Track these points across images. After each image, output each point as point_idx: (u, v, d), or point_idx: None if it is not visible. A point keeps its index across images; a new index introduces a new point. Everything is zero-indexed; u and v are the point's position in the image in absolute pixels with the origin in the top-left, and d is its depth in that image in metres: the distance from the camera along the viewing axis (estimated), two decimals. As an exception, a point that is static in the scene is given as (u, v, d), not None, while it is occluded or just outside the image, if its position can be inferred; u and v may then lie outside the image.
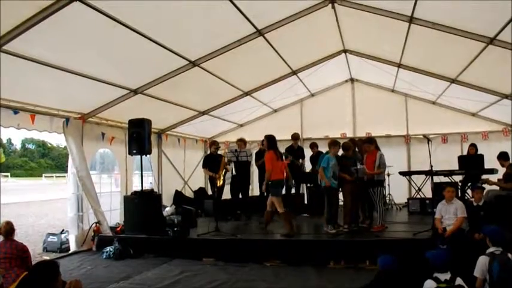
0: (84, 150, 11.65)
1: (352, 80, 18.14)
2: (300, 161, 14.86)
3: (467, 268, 6.25)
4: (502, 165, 11.46)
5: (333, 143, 11.18)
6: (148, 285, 8.34)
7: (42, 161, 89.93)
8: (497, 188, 11.44)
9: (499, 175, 11.86)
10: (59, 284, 5.19)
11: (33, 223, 18.05)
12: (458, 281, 5.69)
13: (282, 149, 14.56)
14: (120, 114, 12.49)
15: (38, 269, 5.15)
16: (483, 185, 11.09)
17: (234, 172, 13.28)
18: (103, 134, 12.55)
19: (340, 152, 11.19)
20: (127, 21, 8.47)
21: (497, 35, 9.54)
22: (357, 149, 11.66)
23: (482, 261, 6.16)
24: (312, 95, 18.39)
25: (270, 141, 11.13)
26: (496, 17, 8.87)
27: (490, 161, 12.37)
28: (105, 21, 8.08)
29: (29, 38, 7.56)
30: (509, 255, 6.17)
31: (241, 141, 13.98)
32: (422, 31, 10.50)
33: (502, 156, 11.43)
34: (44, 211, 23.42)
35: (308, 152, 15.05)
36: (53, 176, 68.70)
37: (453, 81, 13.53)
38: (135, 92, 11.69)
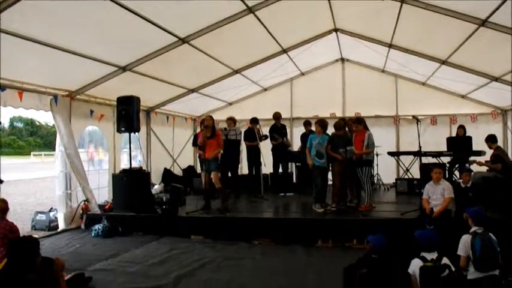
0: (72, 127, 11.56)
1: (342, 59, 18.07)
2: (284, 139, 14.81)
3: (454, 248, 6.32)
4: (490, 148, 11.49)
5: (316, 122, 11.23)
6: (136, 262, 8.34)
7: (31, 140, 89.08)
8: (484, 170, 11.51)
9: (487, 157, 11.90)
10: (39, 261, 5.18)
11: (21, 201, 17.96)
12: (445, 260, 5.75)
13: (267, 128, 14.63)
14: (108, 92, 12.38)
15: (17, 245, 5.14)
16: (471, 167, 11.18)
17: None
18: (91, 112, 12.43)
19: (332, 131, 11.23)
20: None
21: (489, 16, 9.52)
22: (347, 129, 11.65)
23: (465, 239, 6.25)
24: (302, 74, 18.31)
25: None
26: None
27: (478, 143, 12.38)
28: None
29: (16, 15, 7.46)
30: (491, 234, 6.27)
31: (231, 120, 13.91)
32: (414, 11, 10.47)
33: (490, 139, 11.46)
34: (32, 189, 23.33)
35: (300, 130, 14.96)
36: (41, 154, 68.14)
37: (443, 62, 13.52)
38: (124, 69, 11.58)
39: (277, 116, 14.82)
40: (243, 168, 16.08)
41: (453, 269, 5.70)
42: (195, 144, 13.91)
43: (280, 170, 14.98)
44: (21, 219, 13.01)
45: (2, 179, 9.73)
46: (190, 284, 7.20)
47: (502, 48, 10.73)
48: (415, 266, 5.79)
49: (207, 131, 11.54)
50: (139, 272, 7.79)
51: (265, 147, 14.44)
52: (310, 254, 8.86)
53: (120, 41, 10.39)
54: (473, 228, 6.38)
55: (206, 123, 11.60)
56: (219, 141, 11.86)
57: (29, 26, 8.25)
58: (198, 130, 15.09)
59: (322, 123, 11.24)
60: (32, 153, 71.00)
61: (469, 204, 7.70)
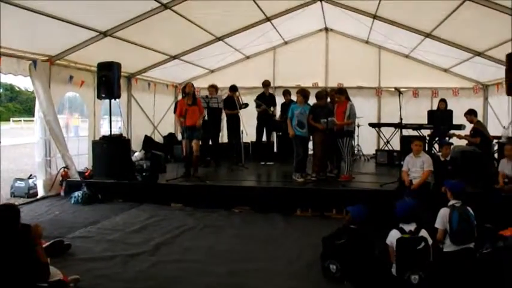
0: (52, 93, 11.38)
1: (326, 29, 17.95)
2: (272, 108, 14.80)
3: (432, 220, 6.39)
4: (471, 122, 11.58)
5: (298, 91, 11.21)
6: (116, 230, 8.36)
7: (10, 105, 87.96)
8: (463, 144, 11.61)
9: (466, 131, 12.00)
10: (19, 228, 5.15)
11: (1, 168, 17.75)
12: (422, 232, 5.80)
13: (253, 96, 14.59)
14: (89, 57, 12.17)
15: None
16: (450, 140, 11.27)
17: (206, 118, 13.12)
18: (71, 77, 12.24)
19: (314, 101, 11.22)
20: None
21: (475, -10, 9.51)
22: (328, 99, 11.65)
23: (443, 212, 6.35)
24: (286, 42, 18.16)
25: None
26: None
27: (459, 117, 12.40)
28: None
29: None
30: (468, 207, 6.36)
31: (213, 88, 13.83)
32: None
33: (471, 113, 11.54)
34: (12, 156, 23.09)
35: (282, 99, 14.94)
36: (21, 120, 67.46)
37: (427, 35, 13.51)
38: (105, 34, 11.39)
39: (265, 84, 14.77)
40: (224, 137, 16.05)
41: (430, 241, 5.76)
42: (176, 111, 13.84)
43: (264, 139, 14.99)
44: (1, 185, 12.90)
45: None
46: (170, 251, 7.24)
47: (486, 24, 10.78)
48: (392, 237, 5.83)
49: (188, 99, 11.49)
50: (118, 239, 7.81)
51: (250, 115, 14.50)
52: (289, 223, 8.95)
53: (101, 6, 10.15)
54: (452, 202, 6.47)
55: (187, 90, 11.56)
56: (201, 109, 11.81)
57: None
58: (180, 97, 14.96)
59: (303, 93, 11.20)
60: (11, 119, 70.25)
61: (447, 178, 7.79)
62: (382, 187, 9.96)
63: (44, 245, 5.84)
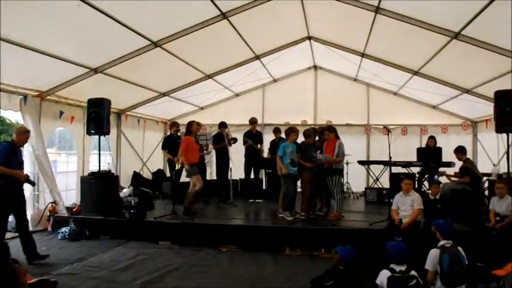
0: (42, 128, 11.39)
1: (315, 67, 18.16)
2: (259, 146, 14.82)
3: (422, 261, 6.34)
4: (459, 159, 11.58)
5: (290, 129, 11.19)
6: (103, 267, 8.23)
7: (1, 138, 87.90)
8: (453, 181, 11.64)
9: (456, 169, 12.03)
10: (9, 265, 5.09)
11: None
12: (413, 273, 5.78)
13: (242, 133, 14.62)
14: (79, 93, 12.22)
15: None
16: (439, 178, 11.28)
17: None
18: (61, 113, 12.25)
19: (301, 140, 11.21)
20: (91, 0, 8.32)
21: (462, 29, 9.69)
22: (316, 138, 11.68)
23: (433, 253, 6.29)
24: (275, 80, 18.34)
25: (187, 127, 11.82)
26: (463, 12, 8.98)
27: (448, 153, 12.44)
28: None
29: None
30: (459, 248, 6.30)
31: (198, 125, 13.87)
32: (388, 22, 10.59)
33: (460, 151, 11.55)
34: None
35: (271, 137, 14.96)
36: (10, 153, 67.18)
37: (416, 73, 13.69)
38: (96, 71, 11.47)
39: (252, 121, 14.81)
40: (212, 174, 16.00)
41: (421, 281, 5.72)
42: (164, 147, 13.81)
43: (252, 176, 14.96)
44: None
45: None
46: (156, 291, 7.13)
47: (473, 61, 10.95)
48: (383, 276, 5.80)
49: (193, 137, 11.75)
50: (105, 277, 7.69)
51: (238, 153, 14.51)
52: (278, 262, 8.82)
53: (92, 43, 10.31)
54: (442, 242, 6.42)
55: (195, 129, 11.93)
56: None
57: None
58: (168, 133, 14.98)
59: (296, 131, 11.21)
60: (0, 152, 69.95)
61: (437, 216, 7.76)
62: (371, 226, 9.89)
63: (30, 281, 5.78)
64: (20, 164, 8.68)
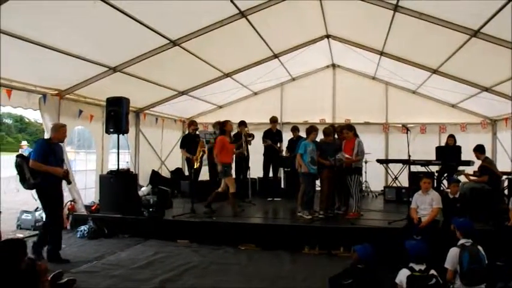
0: (61, 127, 11.43)
1: (333, 65, 18.10)
2: (278, 144, 14.83)
3: (441, 259, 6.30)
4: (478, 158, 11.50)
5: (311, 128, 11.17)
6: (121, 266, 8.28)
7: (20, 136, 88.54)
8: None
9: (475, 167, 11.93)
10: (25, 262, 5.13)
11: (8, 199, 17.69)
12: (432, 272, 5.76)
13: (260, 132, 14.63)
14: (98, 92, 12.28)
15: (3, 247, 5.08)
16: (459, 177, 11.19)
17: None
18: (80, 111, 12.33)
19: (320, 138, 11.21)
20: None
21: (481, 27, 9.57)
22: (336, 136, 11.64)
23: (453, 252, 6.26)
24: (293, 79, 18.31)
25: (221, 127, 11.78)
26: (482, 10, 8.89)
27: (468, 152, 12.35)
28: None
29: (7, 13, 7.37)
30: (479, 247, 6.25)
31: (219, 124, 13.88)
32: (407, 20, 10.50)
33: (478, 149, 11.46)
34: (19, 187, 23.09)
35: (289, 135, 14.93)
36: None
37: (434, 71, 13.58)
38: (114, 69, 11.52)
39: (273, 120, 14.90)
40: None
41: (440, 281, 5.69)
42: (183, 146, 13.85)
43: (271, 174, 14.96)
44: (6, 218, 12.84)
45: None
46: (175, 289, 7.15)
47: (493, 59, 10.82)
48: (402, 275, 5.80)
49: (227, 136, 11.73)
50: (123, 276, 7.73)
51: (256, 151, 14.54)
52: (296, 261, 8.82)
53: (111, 42, 10.35)
54: (462, 241, 6.37)
55: (230, 129, 11.88)
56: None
57: (19, 24, 8.19)
58: (187, 132, 15.00)
59: (317, 130, 11.22)
60: (20, 150, 70.61)
61: (456, 215, 7.70)
62: (390, 225, 9.85)
63: (46, 278, 5.83)
64: (60, 161, 8.75)
